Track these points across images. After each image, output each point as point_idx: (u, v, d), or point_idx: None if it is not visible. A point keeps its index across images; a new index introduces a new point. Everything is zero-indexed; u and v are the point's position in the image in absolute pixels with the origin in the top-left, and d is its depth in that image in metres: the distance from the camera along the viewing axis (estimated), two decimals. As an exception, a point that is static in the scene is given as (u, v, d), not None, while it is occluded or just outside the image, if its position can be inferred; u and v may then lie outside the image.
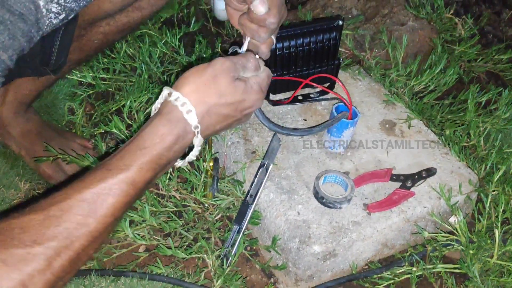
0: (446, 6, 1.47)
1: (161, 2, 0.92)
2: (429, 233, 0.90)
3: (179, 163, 0.66)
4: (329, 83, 1.07)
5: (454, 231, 0.91)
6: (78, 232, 0.52)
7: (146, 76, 1.16)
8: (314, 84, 1.01)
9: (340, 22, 1.03)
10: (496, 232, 0.88)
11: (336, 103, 1.01)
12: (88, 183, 0.55)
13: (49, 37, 0.79)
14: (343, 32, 1.28)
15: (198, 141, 0.63)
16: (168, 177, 0.98)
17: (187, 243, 0.92)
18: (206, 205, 0.96)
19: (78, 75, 1.17)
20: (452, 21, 1.43)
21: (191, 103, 0.61)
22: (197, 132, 0.62)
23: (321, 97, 1.08)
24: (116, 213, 0.55)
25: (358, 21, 1.31)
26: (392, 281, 0.90)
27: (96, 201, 0.54)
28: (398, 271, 0.91)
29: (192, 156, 0.65)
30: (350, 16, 1.33)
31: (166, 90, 0.62)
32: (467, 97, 1.17)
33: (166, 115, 0.60)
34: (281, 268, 0.88)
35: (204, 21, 1.38)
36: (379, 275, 0.91)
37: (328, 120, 0.98)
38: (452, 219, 0.91)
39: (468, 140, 1.11)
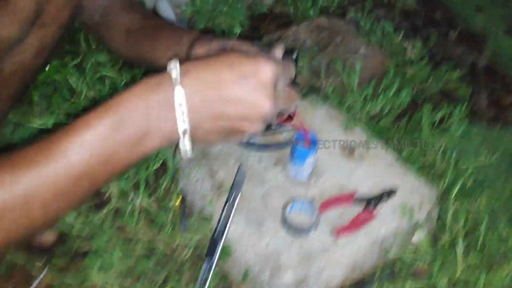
0: (395, 31, 1.55)
1: (64, 14, 0.87)
2: (395, 251, 0.93)
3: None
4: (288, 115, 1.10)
5: (419, 248, 0.94)
6: None
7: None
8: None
9: (295, 54, 1.07)
10: (458, 248, 0.92)
11: (297, 132, 1.03)
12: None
13: None
14: (300, 63, 1.33)
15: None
16: (135, 219, 0.98)
17: (158, 285, 0.91)
18: (175, 244, 0.96)
19: (39, 122, 1.16)
20: (402, 45, 1.50)
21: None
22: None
23: (281, 129, 1.11)
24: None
25: (312, 51, 1.36)
26: (364, 304, 0.91)
27: None
28: (369, 293, 0.93)
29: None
30: (304, 47, 1.38)
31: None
32: (421, 117, 1.23)
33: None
34: (254, 301, 0.88)
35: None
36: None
37: (283, 143, 1.01)
38: (415, 237, 0.93)
39: (426, 158, 1.15)
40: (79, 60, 1.28)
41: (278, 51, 0.71)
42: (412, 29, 1.67)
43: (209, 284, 0.88)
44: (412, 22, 1.72)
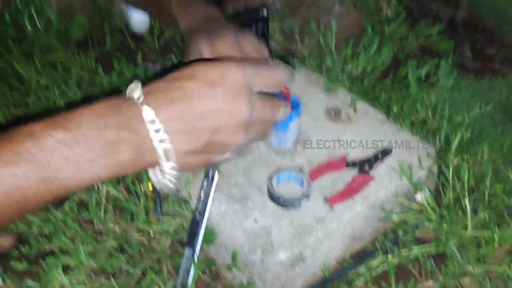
0: (368, -9, 1.46)
1: None
2: (397, 214, 0.84)
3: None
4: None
5: (423, 209, 0.85)
6: None
7: (63, 103, 1.03)
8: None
9: (265, 12, 0.96)
10: (466, 201, 0.83)
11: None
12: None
13: None
14: (271, 24, 1.22)
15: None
16: (103, 210, 0.86)
17: (134, 279, 0.80)
18: (151, 232, 0.85)
19: (-15, 115, 1.03)
20: (377, 3, 1.41)
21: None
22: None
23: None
24: None
25: (283, 13, 1.26)
26: (368, 276, 0.82)
27: None
28: (373, 264, 0.83)
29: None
30: (274, 9, 1.28)
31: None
32: (406, 72, 1.14)
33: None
34: (248, 287, 0.78)
35: (121, 38, 1.28)
36: (353, 272, 0.83)
37: None
38: (418, 197, 0.84)
39: (417, 114, 1.07)
40: (25, 44, 1.15)
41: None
42: (385, -12, 1.59)
43: (193, 273, 0.77)
44: (384, -19, 1.63)
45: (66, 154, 0.45)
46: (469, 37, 1.44)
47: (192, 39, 0.69)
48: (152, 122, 0.48)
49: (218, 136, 0.51)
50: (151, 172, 0.54)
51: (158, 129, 0.48)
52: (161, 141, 0.49)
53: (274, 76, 0.56)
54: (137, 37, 1.28)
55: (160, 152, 0.49)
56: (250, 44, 0.69)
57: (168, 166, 0.50)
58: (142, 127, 0.48)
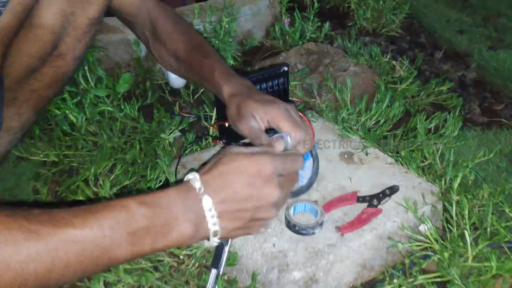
0: (383, 54, 1.60)
1: (80, 45, 0.92)
2: (402, 244, 0.92)
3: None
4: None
5: (427, 240, 0.93)
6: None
7: (109, 145, 1.18)
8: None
9: (286, 68, 1.11)
10: (466, 233, 0.91)
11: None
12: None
13: None
14: (292, 83, 1.37)
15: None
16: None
17: (166, 295, 0.89)
18: (181, 257, 0.95)
19: (41, 155, 1.18)
20: (390, 64, 1.55)
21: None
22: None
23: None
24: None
25: (304, 73, 1.41)
26: (377, 302, 0.89)
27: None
28: (382, 291, 0.90)
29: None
30: (296, 70, 1.43)
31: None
32: (416, 124, 1.25)
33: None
34: (264, 302, 0.86)
35: (161, 92, 1.45)
36: (364, 298, 0.91)
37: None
38: (422, 228, 0.93)
39: (424, 160, 1.16)
40: (78, 98, 1.32)
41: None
42: (399, 52, 1.74)
43: (217, 290, 0.86)
44: (399, 46, 1.79)
45: (148, 226, 0.60)
46: (478, 95, 1.55)
47: (241, 103, 0.86)
48: (210, 209, 0.64)
49: (257, 214, 0.68)
50: None
51: (213, 215, 0.65)
52: (214, 224, 0.65)
53: (294, 164, 0.74)
54: (174, 92, 1.45)
55: (212, 231, 0.66)
56: (295, 111, 0.87)
57: (215, 240, 0.68)
58: (202, 212, 0.64)
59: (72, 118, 1.28)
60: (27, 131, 1.00)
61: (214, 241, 0.67)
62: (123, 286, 0.89)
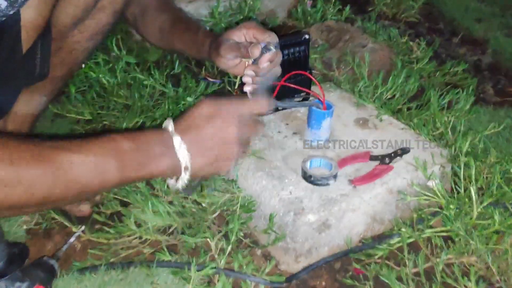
0: (401, 36, 1.66)
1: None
2: (411, 197, 0.98)
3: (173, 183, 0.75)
4: (304, 93, 1.19)
5: (434, 195, 0.99)
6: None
7: (139, 104, 1.26)
8: (288, 85, 1.11)
9: (307, 36, 1.18)
10: (472, 191, 0.96)
11: (312, 105, 1.12)
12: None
13: (30, 51, 0.87)
14: (312, 56, 1.44)
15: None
16: (166, 184, 1.05)
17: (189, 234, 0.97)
18: (204, 204, 1.03)
19: (76, 113, 1.27)
20: (408, 45, 1.60)
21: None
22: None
23: (299, 103, 1.20)
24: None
25: (324, 48, 1.47)
26: (386, 251, 0.95)
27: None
28: (391, 242, 0.97)
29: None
30: (316, 45, 1.49)
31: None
32: (429, 97, 1.30)
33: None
34: (280, 239, 0.93)
35: (186, 63, 1.53)
36: (373, 248, 0.97)
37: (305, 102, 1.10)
38: (430, 183, 0.99)
39: (436, 129, 1.22)
40: (110, 65, 1.41)
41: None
42: (417, 36, 1.79)
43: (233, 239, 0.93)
44: (417, 30, 1.84)
45: (132, 156, 0.67)
46: (492, 78, 1.60)
47: (218, 39, 0.95)
48: (179, 146, 0.71)
49: (223, 151, 0.74)
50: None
51: (183, 152, 0.71)
52: (183, 158, 0.71)
53: (257, 107, 0.79)
54: (199, 63, 1.53)
55: (183, 166, 0.71)
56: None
57: (186, 178, 0.72)
58: (173, 148, 0.71)
59: (105, 82, 1.37)
60: (65, 84, 1.08)
61: (185, 178, 0.72)
62: (153, 225, 0.97)
